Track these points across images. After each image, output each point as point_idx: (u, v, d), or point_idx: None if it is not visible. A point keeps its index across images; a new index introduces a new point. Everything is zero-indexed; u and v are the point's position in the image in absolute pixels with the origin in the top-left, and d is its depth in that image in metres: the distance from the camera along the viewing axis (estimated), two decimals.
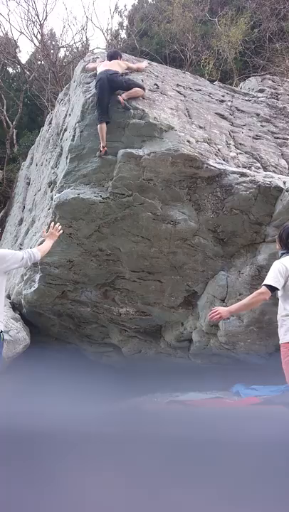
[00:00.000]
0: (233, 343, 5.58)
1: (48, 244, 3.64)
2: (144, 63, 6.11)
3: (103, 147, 4.99)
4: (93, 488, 0.98)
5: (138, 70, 5.77)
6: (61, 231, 3.81)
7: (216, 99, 6.49)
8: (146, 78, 5.87)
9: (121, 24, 17.49)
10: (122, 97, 5.01)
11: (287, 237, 3.41)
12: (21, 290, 6.73)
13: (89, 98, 5.24)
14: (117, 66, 5.40)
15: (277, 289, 3.23)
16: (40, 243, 3.88)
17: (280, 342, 3.25)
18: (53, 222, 3.91)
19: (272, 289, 3.23)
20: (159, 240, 5.39)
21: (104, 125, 4.98)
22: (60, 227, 3.80)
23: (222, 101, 6.52)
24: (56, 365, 5.48)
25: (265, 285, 3.24)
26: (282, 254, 3.41)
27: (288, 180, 4.98)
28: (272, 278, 3.25)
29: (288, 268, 3.26)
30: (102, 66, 5.36)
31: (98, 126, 5.00)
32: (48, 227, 3.86)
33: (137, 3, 17.66)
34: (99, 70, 5.32)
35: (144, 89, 5.26)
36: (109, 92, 5.08)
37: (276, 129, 6.26)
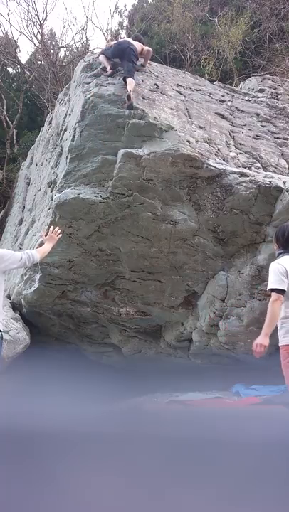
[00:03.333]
0: (233, 343, 5.58)
1: (47, 246, 3.66)
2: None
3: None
4: (93, 488, 0.98)
5: (146, 58, 6.17)
6: (60, 235, 3.82)
7: (216, 99, 6.49)
8: (146, 78, 5.88)
9: (121, 24, 17.51)
10: (130, 92, 5.03)
11: (283, 236, 3.37)
12: (21, 290, 6.73)
13: (89, 98, 5.24)
14: (138, 46, 5.95)
15: (284, 291, 3.18)
16: (40, 244, 3.90)
17: (280, 344, 3.24)
18: (52, 226, 3.92)
19: (281, 291, 3.18)
20: (159, 239, 5.39)
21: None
22: (60, 230, 3.81)
23: (222, 101, 6.52)
24: (56, 365, 5.48)
25: (272, 290, 3.20)
26: (279, 254, 3.37)
27: (288, 180, 4.98)
28: (275, 281, 3.19)
29: (287, 268, 3.23)
30: (122, 40, 6.15)
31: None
32: (48, 230, 3.87)
33: (137, 3, 17.67)
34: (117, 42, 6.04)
35: (132, 77, 5.40)
36: (120, 57, 5.58)
37: (276, 129, 6.26)
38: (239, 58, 13.54)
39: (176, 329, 6.26)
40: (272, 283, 3.22)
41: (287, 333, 3.24)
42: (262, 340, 3.18)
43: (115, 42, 6.08)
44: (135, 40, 6.11)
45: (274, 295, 3.18)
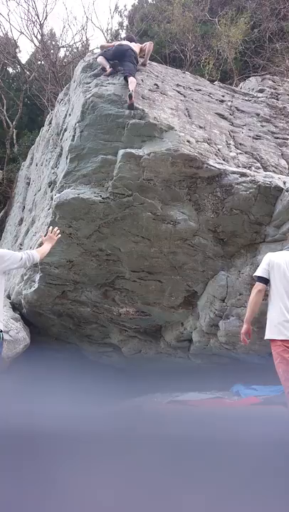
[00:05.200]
0: (233, 343, 5.58)
1: (46, 247, 3.67)
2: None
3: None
4: (93, 487, 0.98)
5: (148, 53, 6.21)
6: (59, 235, 3.83)
7: (216, 99, 6.49)
8: (146, 78, 5.87)
9: (121, 24, 17.51)
10: (132, 92, 5.03)
11: None
12: (21, 290, 6.73)
13: (89, 98, 5.24)
14: (137, 47, 6.02)
15: (266, 279, 3.35)
16: (40, 244, 3.90)
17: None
18: (51, 227, 3.93)
19: (262, 279, 3.38)
20: (159, 240, 5.39)
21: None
22: (59, 231, 3.82)
23: (222, 101, 6.52)
24: (56, 365, 5.49)
25: (257, 278, 3.42)
26: (287, 248, 3.56)
27: (288, 180, 4.98)
28: (259, 269, 3.45)
29: (273, 259, 3.39)
30: (124, 42, 6.10)
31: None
32: (47, 231, 3.88)
33: (137, 3, 17.67)
34: (118, 43, 6.05)
35: (134, 76, 5.44)
36: (121, 58, 5.62)
37: (276, 129, 6.26)
38: (239, 58, 13.53)
39: (176, 329, 6.26)
40: (256, 271, 3.46)
41: (270, 328, 3.32)
42: (243, 328, 3.42)
43: (117, 43, 6.08)
44: (130, 42, 6.13)
45: (256, 283, 3.41)
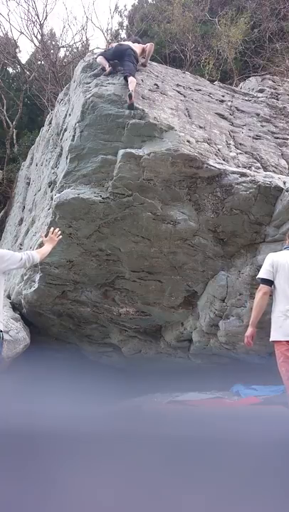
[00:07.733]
0: (233, 343, 5.58)
1: (47, 248, 3.67)
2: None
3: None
4: (93, 487, 0.98)
5: (148, 53, 6.28)
6: (60, 236, 3.82)
7: (216, 99, 6.49)
8: (146, 78, 5.88)
9: (121, 24, 17.49)
10: (132, 92, 5.02)
11: None
12: (21, 290, 6.73)
13: (89, 98, 5.24)
14: (138, 48, 6.06)
15: (270, 281, 3.32)
16: (40, 244, 3.89)
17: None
18: (52, 228, 3.92)
19: (266, 281, 3.34)
20: (159, 240, 5.39)
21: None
22: (60, 232, 3.81)
23: (222, 101, 6.52)
24: (56, 365, 5.49)
25: (260, 280, 3.38)
26: (285, 248, 3.52)
27: (288, 180, 4.98)
28: (262, 271, 3.40)
29: (276, 259, 3.36)
30: (126, 42, 6.25)
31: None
32: (48, 231, 3.87)
33: (137, 3, 17.65)
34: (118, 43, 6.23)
35: (134, 76, 5.43)
36: (120, 58, 5.64)
37: (276, 129, 6.26)
38: (239, 58, 13.52)
39: (176, 329, 6.26)
40: (260, 273, 3.42)
41: (275, 329, 3.30)
42: (248, 332, 3.39)
43: (117, 43, 6.13)
44: (134, 43, 6.15)
45: (260, 286, 3.36)
